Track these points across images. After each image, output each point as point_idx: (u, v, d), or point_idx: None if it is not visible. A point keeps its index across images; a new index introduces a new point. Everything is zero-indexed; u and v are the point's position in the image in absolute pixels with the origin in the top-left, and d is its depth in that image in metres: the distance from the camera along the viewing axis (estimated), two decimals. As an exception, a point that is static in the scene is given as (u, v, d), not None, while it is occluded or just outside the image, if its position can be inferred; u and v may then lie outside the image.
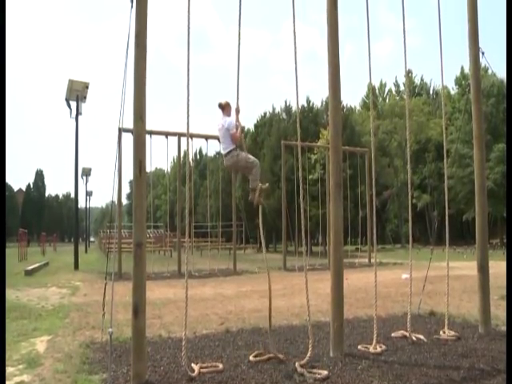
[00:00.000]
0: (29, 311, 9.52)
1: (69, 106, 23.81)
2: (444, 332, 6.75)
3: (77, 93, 23.54)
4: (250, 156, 6.22)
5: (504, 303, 7.68)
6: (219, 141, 6.49)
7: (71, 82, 23.58)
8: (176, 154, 20.78)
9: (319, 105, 45.49)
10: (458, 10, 13.21)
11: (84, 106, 24.46)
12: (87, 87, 24.16)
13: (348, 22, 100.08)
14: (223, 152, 6.17)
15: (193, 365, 5.24)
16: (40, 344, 6.64)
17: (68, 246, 58.00)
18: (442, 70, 7.58)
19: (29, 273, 18.33)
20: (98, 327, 7.11)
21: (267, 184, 6.39)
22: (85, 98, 24.17)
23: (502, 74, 53.33)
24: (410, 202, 7.65)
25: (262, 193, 6.17)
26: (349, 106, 54.31)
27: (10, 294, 11.87)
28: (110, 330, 4.70)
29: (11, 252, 29.49)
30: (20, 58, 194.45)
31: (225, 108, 6.23)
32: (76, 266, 21.83)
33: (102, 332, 6.13)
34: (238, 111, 6.24)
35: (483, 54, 7.33)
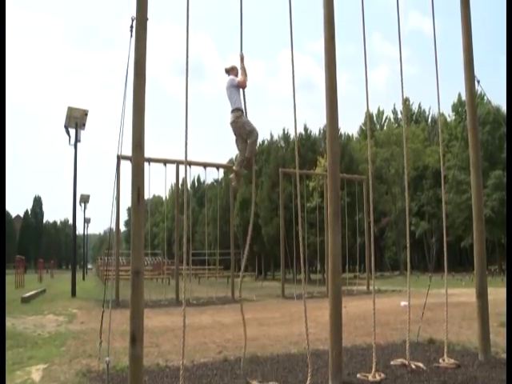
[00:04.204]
0: (24, 339, 9.44)
1: (68, 133, 23.86)
2: (443, 360, 6.69)
3: (76, 120, 23.59)
4: (251, 124, 6.28)
5: (504, 330, 7.64)
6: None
7: (70, 110, 23.66)
8: (174, 181, 20.84)
9: (317, 132, 45.77)
10: (453, 38, 13.42)
11: (83, 134, 24.52)
12: (86, 114, 24.23)
13: (344, 51, 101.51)
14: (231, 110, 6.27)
15: (190, 394, 5.19)
16: (35, 373, 6.56)
17: (65, 272, 57.75)
18: (439, 98, 7.69)
19: (25, 300, 18.20)
20: (95, 355, 7.05)
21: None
22: (84, 125, 24.21)
23: (497, 101, 53.94)
24: (408, 229, 7.66)
25: (250, 164, 6.46)
26: (346, 133, 54.73)
27: (6, 322, 11.77)
28: (107, 358, 4.68)
29: (8, 279, 29.28)
30: (20, 85, 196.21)
31: (230, 72, 6.35)
32: (73, 294, 21.69)
33: (98, 360, 6.09)
34: (242, 58, 6.35)
35: (479, 82, 7.42)
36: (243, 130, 6.25)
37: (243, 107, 6.30)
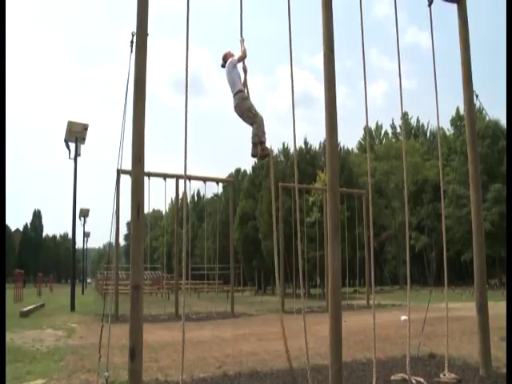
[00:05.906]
0: (23, 354, 9.38)
1: (68, 147, 23.94)
2: (444, 375, 6.65)
3: (76, 134, 23.65)
4: (255, 108, 6.13)
5: (505, 345, 7.59)
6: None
7: (70, 124, 23.74)
8: (174, 195, 20.87)
9: (317, 146, 45.88)
10: (451, 52, 13.46)
11: (83, 148, 24.61)
12: (86, 129, 24.30)
13: (341, 66, 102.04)
14: (232, 94, 6.16)
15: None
16: (34, 388, 6.53)
17: (64, 287, 57.52)
18: (438, 112, 7.70)
19: (24, 314, 18.11)
20: (94, 370, 7.00)
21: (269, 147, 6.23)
22: (84, 139, 24.27)
23: (496, 115, 54.22)
24: (407, 243, 7.65)
25: (264, 148, 6.06)
26: (345, 147, 54.85)
27: (5, 337, 11.70)
28: (106, 373, 4.65)
29: (7, 293, 29.17)
30: (20, 99, 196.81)
31: (226, 58, 6.32)
32: (72, 308, 21.63)
33: (97, 375, 6.04)
34: (245, 71, 6.31)
35: (477, 96, 7.45)
36: (247, 114, 6.07)
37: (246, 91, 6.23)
